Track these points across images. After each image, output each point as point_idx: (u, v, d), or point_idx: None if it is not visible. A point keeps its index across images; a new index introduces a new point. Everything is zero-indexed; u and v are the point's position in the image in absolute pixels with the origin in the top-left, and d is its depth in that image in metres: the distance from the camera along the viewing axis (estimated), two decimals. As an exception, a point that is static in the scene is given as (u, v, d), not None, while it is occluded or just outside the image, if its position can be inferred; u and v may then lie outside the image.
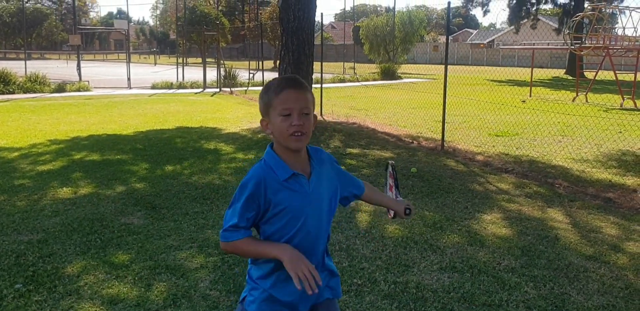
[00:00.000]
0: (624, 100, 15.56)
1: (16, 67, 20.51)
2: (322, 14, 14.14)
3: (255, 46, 35.06)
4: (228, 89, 19.55)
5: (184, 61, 26.52)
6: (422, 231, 4.65)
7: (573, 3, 33.05)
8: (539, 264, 3.98)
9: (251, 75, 21.14)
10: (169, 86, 21.10)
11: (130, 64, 23.08)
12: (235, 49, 60.66)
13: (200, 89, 20.57)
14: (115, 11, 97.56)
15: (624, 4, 31.63)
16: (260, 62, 20.45)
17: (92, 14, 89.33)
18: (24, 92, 17.80)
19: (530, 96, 18.03)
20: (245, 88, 19.70)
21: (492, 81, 24.48)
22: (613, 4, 28.66)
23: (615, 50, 17.11)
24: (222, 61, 21.26)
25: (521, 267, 3.92)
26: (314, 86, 11.07)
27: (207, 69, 21.94)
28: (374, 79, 27.31)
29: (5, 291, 3.39)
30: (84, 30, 38.74)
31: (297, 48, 9.98)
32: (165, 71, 33.35)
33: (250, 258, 1.89)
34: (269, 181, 1.78)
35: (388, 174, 2.38)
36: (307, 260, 1.76)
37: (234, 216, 1.79)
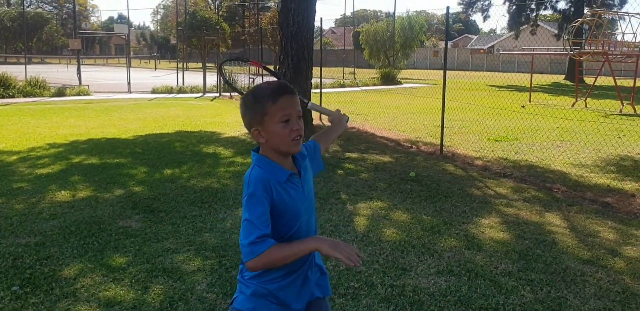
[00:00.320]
0: (623, 105, 15.58)
1: (16, 72, 20.54)
2: (321, 19, 14.19)
3: (255, 51, 35.15)
4: (228, 94, 19.58)
5: (184, 66, 26.58)
6: (420, 235, 4.65)
7: (572, 9, 33.18)
8: (536, 268, 3.98)
9: (251, 80, 21.17)
10: (169, 90, 21.13)
11: (131, 69, 23.13)
12: (236, 54, 60.77)
13: (200, 94, 20.60)
14: (115, 16, 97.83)
15: (624, 9, 31.70)
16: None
17: (92, 19, 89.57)
18: (24, 96, 17.83)
19: (529, 101, 18.06)
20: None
21: (492, 86, 24.51)
22: (612, 10, 28.75)
23: (614, 56, 17.15)
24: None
25: (518, 271, 3.92)
26: (313, 90, 11.09)
27: (207, 73, 21.97)
28: (374, 84, 27.36)
29: (2, 293, 3.39)
30: (85, 35, 38.88)
31: (297, 53, 10.02)
32: (165, 75, 33.40)
33: (287, 262, 1.78)
34: (273, 183, 1.77)
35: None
36: (342, 241, 1.78)
37: (254, 227, 1.70)
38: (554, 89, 24.62)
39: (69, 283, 3.55)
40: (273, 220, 1.76)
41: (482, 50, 57.94)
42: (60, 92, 18.93)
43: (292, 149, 1.82)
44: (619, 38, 21.97)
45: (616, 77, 16.45)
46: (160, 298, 3.37)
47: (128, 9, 53.26)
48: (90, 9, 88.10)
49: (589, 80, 23.19)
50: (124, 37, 27.77)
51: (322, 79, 13.26)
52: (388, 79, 28.14)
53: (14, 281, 3.56)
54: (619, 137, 10.04)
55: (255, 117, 1.81)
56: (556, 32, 37.22)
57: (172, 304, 3.30)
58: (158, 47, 74.50)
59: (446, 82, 8.71)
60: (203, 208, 5.33)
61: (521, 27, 36.52)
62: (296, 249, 1.73)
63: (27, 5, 70.41)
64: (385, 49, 33.91)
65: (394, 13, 35.50)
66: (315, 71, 11.35)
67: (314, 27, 10.79)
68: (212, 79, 21.94)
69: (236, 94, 19.55)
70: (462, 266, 3.98)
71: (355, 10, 52.06)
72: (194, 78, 24.71)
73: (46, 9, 77.17)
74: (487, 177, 7.01)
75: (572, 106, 16.53)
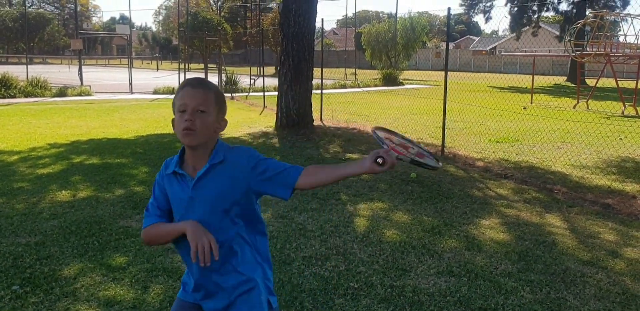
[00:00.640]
0: (625, 107, 15.57)
1: (18, 72, 20.57)
2: (322, 19, 14.19)
3: (256, 52, 35.17)
4: (229, 95, 19.59)
5: (186, 67, 26.59)
6: (420, 236, 4.65)
7: (575, 10, 33.14)
8: (536, 269, 3.98)
9: (252, 81, 21.19)
10: (171, 91, 21.13)
11: (133, 70, 23.14)
12: (237, 55, 60.81)
13: (202, 94, 20.58)
14: (117, 16, 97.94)
15: (626, 11, 31.68)
16: (262, 68, 20.51)
17: (94, 19, 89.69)
18: (25, 97, 17.85)
19: (531, 102, 18.05)
20: (247, 94, 19.75)
21: (493, 87, 24.51)
22: (615, 12, 28.71)
23: (616, 58, 17.14)
24: (223, 67, 21.30)
25: (518, 272, 3.92)
26: (314, 91, 11.09)
27: (209, 74, 22.00)
28: (375, 85, 27.35)
29: (2, 292, 3.39)
30: (86, 35, 38.93)
31: (298, 53, 10.03)
32: (167, 76, 33.42)
33: (166, 241, 1.92)
34: (162, 173, 1.94)
35: (381, 142, 1.95)
36: (211, 235, 1.79)
37: (148, 205, 1.97)
38: (556, 91, 24.60)
39: (69, 283, 3.55)
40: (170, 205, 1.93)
41: (484, 52, 57.95)
42: (62, 92, 18.95)
43: (182, 140, 1.85)
44: (621, 40, 21.99)
45: (618, 79, 16.45)
46: (160, 298, 3.37)
47: (130, 10, 53.29)
48: (92, 10, 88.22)
49: (590, 82, 23.17)
50: (125, 37, 27.81)
51: (324, 80, 13.27)
52: (390, 80, 28.13)
53: (14, 281, 3.56)
54: (621, 139, 10.03)
55: (172, 107, 1.91)
56: (558, 33, 37.20)
57: (172, 303, 3.28)
58: (160, 48, 74.56)
59: (448, 84, 8.71)
60: (203, 208, 5.32)
61: (523, 29, 36.50)
62: (170, 228, 1.87)
63: (29, 5, 70.42)
64: (387, 50, 33.91)
65: (395, 14, 35.56)
66: (316, 71, 11.35)
67: (315, 28, 10.80)
68: (213, 80, 21.94)
69: (237, 94, 19.59)
70: (462, 267, 3.97)
71: (357, 11, 52.01)
72: (195, 79, 24.71)
73: (48, 9, 77.29)
74: (488, 178, 7.01)
75: (574, 107, 16.51)
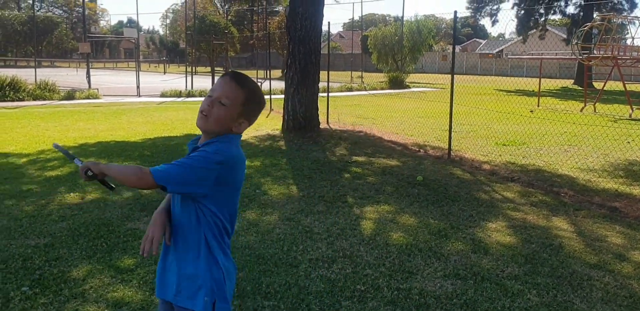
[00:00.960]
0: (632, 110, 15.51)
1: (26, 75, 20.72)
2: (329, 23, 14.25)
3: (263, 55, 35.25)
4: (236, 98, 19.63)
5: (193, 70, 26.71)
6: (427, 239, 4.66)
7: (582, 13, 33.07)
8: (543, 272, 3.98)
9: (259, 84, 21.23)
10: (178, 94, 21.22)
11: (140, 73, 23.25)
12: (244, 58, 60.98)
13: (209, 98, 20.66)
14: (125, 20, 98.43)
15: (633, 14, 31.60)
16: (268, 71, 20.57)
17: (102, 23, 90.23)
18: (34, 100, 17.96)
19: (538, 105, 18.00)
20: (253, 96, 19.74)
21: (500, 90, 24.47)
22: (622, 15, 28.65)
23: (624, 61, 17.09)
24: (230, 70, 21.37)
25: (524, 274, 3.92)
26: (321, 94, 11.12)
27: (216, 77, 22.05)
28: (382, 88, 27.37)
29: (12, 293, 3.43)
30: (94, 39, 39.16)
31: (304, 56, 10.07)
32: (174, 79, 33.56)
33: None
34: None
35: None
36: (159, 225, 1.96)
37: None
38: (563, 94, 24.55)
39: (78, 284, 3.58)
40: None
41: (490, 55, 57.85)
42: (70, 95, 19.06)
43: (197, 120, 1.95)
44: (628, 42, 21.92)
45: (626, 82, 16.39)
46: (168, 300, 3.39)
47: (137, 13, 53.95)
48: (100, 13, 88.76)
49: (598, 85, 23.11)
50: (133, 41, 27.96)
51: (330, 83, 13.29)
52: (396, 83, 28.15)
53: (24, 282, 3.60)
54: (628, 142, 10.00)
55: None
56: (565, 36, 37.12)
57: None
58: (167, 51, 74.87)
59: (454, 87, 8.71)
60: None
61: (530, 32, 36.45)
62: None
63: (37, 9, 70.92)
64: (394, 53, 33.95)
65: (402, 17, 35.57)
66: (323, 74, 11.38)
67: (322, 31, 10.83)
68: (220, 82, 22.01)
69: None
70: (469, 270, 3.98)
71: (363, 14, 52.08)
72: (202, 82, 24.84)
73: (56, 13, 77.81)
74: (495, 181, 7.00)
75: (581, 110, 16.47)
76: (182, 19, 53.30)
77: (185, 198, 1.93)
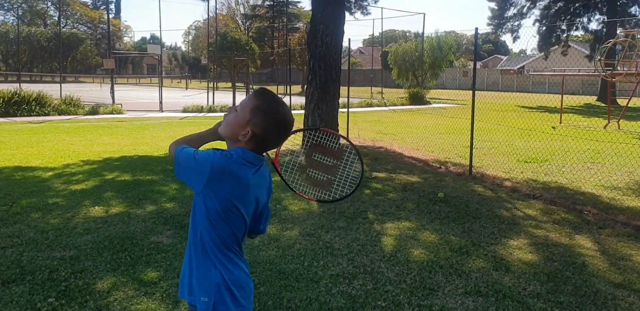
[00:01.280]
0: (656, 127, 15.31)
1: (52, 90, 21.15)
2: (349, 39, 14.39)
3: (283, 71, 35.54)
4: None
5: (215, 86, 27.03)
6: (448, 256, 4.64)
7: (605, 29, 32.87)
8: (566, 290, 3.94)
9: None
10: (200, 109, 21.48)
11: (163, 88, 23.60)
12: (265, 73, 61.57)
13: (230, 113, 20.86)
14: (148, 36, 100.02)
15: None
16: (289, 87, 20.75)
17: (126, 39, 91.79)
18: (59, 114, 18.32)
19: (560, 122, 17.87)
20: (274, 112, 19.88)
21: (522, 107, 24.36)
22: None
23: (647, 77, 16.91)
24: (251, 86, 21.61)
25: (547, 293, 3.88)
26: (341, 110, 11.18)
27: (237, 93, 22.32)
28: (402, 104, 27.40)
29: (39, 304, 3.49)
30: (118, 55, 39.88)
31: (325, 73, 10.15)
32: (196, 94, 33.98)
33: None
34: None
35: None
36: None
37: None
38: (586, 111, 24.33)
39: (103, 296, 3.64)
40: None
41: (512, 71, 57.63)
42: (94, 110, 19.41)
43: None
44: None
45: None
46: (190, 313, 3.43)
47: (161, 30, 54.64)
48: (124, 30, 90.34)
49: (622, 101, 22.86)
50: (156, 57, 28.41)
51: (350, 99, 13.36)
52: (416, 99, 28.17)
53: (50, 293, 3.66)
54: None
55: None
56: (588, 53, 36.89)
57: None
58: (189, 67, 75.93)
59: (475, 103, 8.71)
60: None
61: (552, 48, 36.29)
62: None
63: (62, 25, 72.47)
64: (414, 69, 34.01)
65: (422, 33, 35.63)
66: (343, 90, 11.44)
67: (342, 48, 10.92)
68: (241, 98, 22.11)
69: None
70: (490, 287, 3.96)
71: (383, 30, 52.28)
72: (223, 97, 25.11)
73: (81, 29, 79.40)
74: (516, 198, 6.96)
75: (605, 127, 16.30)
76: (204, 36, 54.04)
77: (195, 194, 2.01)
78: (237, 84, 24.53)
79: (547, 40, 35.23)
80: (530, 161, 9.83)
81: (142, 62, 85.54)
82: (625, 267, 4.47)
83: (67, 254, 4.43)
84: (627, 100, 17.65)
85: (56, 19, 78.20)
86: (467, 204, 6.51)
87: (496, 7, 36.86)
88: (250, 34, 54.04)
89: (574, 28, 35.97)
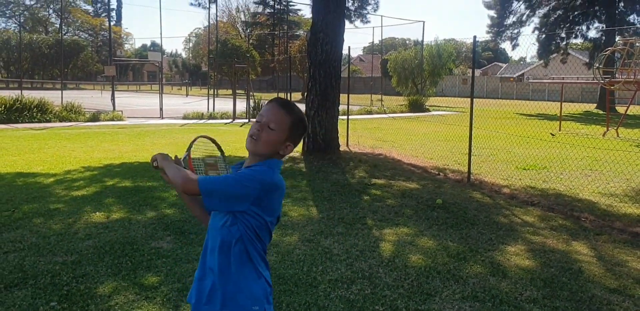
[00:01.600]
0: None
1: (53, 97, 21.23)
2: (349, 47, 14.46)
3: (284, 78, 35.66)
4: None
5: (215, 93, 27.13)
6: (446, 262, 4.69)
7: (604, 38, 33.03)
8: (562, 295, 3.99)
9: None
10: (200, 116, 21.57)
11: (163, 95, 23.70)
12: (265, 81, 61.77)
13: (230, 120, 20.97)
14: (149, 43, 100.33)
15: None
16: (289, 94, 20.84)
17: (126, 46, 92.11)
18: (60, 121, 18.39)
19: (560, 129, 17.94)
20: (274, 119, 19.98)
21: (521, 114, 24.44)
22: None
23: (646, 85, 16.99)
24: (251, 93, 21.70)
25: (543, 298, 3.93)
26: (341, 117, 11.26)
27: (237, 100, 22.40)
28: (402, 111, 27.49)
29: (41, 308, 3.54)
30: (119, 62, 40.02)
31: (324, 80, 10.24)
32: (196, 101, 34.09)
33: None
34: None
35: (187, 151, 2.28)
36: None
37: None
38: (585, 118, 24.41)
39: (104, 300, 3.69)
40: None
41: (511, 79, 57.80)
42: (95, 117, 19.48)
43: (246, 143, 2.08)
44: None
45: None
46: (190, 317, 3.47)
47: (161, 37, 54.97)
48: (125, 37, 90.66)
49: (621, 109, 22.96)
50: (157, 64, 28.54)
51: (350, 106, 13.45)
52: (416, 107, 28.26)
53: (52, 297, 3.71)
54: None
55: None
56: (587, 60, 37.02)
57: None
58: (189, 74, 76.16)
59: (473, 110, 8.78)
60: (232, 230, 5.44)
61: (551, 56, 36.44)
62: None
63: (64, 32, 72.77)
64: (414, 76, 34.13)
65: (422, 41, 35.80)
66: (343, 97, 11.52)
67: (342, 56, 11.01)
68: (241, 105, 22.36)
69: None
70: (487, 293, 4.00)
71: (383, 38, 52.49)
72: (224, 104, 25.20)
73: (82, 36, 79.72)
74: (514, 205, 7.01)
75: (603, 135, 16.36)
76: (205, 43, 54.24)
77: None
78: (237, 91, 24.62)
79: (547, 48, 35.39)
80: (529, 168, 9.89)
81: (143, 69, 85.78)
82: (620, 273, 4.52)
83: (69, 259, 4.48)
84: (626, 108, 17.72)
85: (57, 26, 78.60)
86: (465, 210, 6.56)
87: (495, 15, 37.07)
88: (250, 41, 54.24)
89: (573, 36, 36.13)
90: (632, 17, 32.67)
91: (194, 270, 4.27)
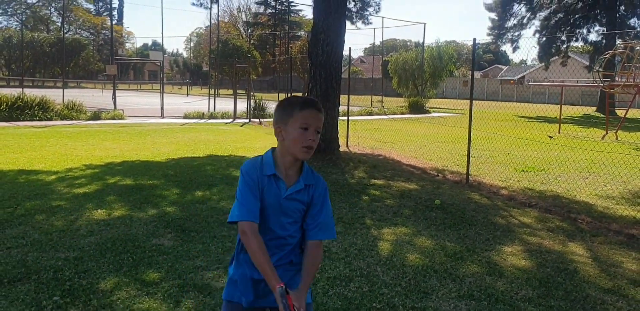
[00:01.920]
0: (653, 138, 15.42)
1: (54, 95, 21.31)
2: (350, 48, 14.52)
3: (285, 79, 35.73)
4: (257, 120, 19.97)
5: (216, 92, 27.20)
6: (443, 261, 4.75)
7: (604, 41, 33.10)
8: (557, 295, 4.05)
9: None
10: (201, 115, 21.63)
11: (164, 94, 23.76)
12: (266, 81, 61.85)
13: (231, 120, 21.04)
14: (150, 42, 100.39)
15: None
16: (290, 95, 20.94)
17: (127, 45, 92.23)
18: (62, 119, 18.46)
19: (559, 132, 18.00)
20: (275, 119, 20.06)
21: (521, 117, 24.51)
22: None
23: (645, 89, 17.06)
24: (252, 93, 21.77)
25: (538, 297, 3.99)
26: (341, 118, 11.32)
27: (238, 100, 22.47)
28: (402, 113, 27.56)
29: (44, 302, 3.60)
30: (120, 61, 40.08)
31: (325, 81, 10.30)
32: (197, 101, 34.15)
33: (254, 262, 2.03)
34: (258, 174, 2.09)
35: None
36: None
37: (241, 199, 2.08)
38: (585, 121, 24.48)
39: (106, 295, 3.75)
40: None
41: (512, 81, 57.88)
42: (96, 115, 19.55)
43: (300, 155, 2.10)
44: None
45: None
46: (191, 312, 3.53)
47: (163, 36, 54.76)
48: (126, 36, 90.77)
49: (621, 112, 23.01)
50: (158, 63, 28.60)
51: (350, 107, 13.51)
52: (416, 108, 28.33)
53: (55, 292, 3.77)
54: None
55: (283, 117, 2.12)
56: (588, 63, 37.08)
57: (202, 318, 3.45)
58: (190, 73, 76.17)
59: (473, 112, 8.84)
60: (232, 228, 5.50)
61: (552, 59, 36.50)
62: (268, 270, 1.96)
63: (65, 31, 72.82)
64: (414, 78, 34.17)
65: (423, 43, 35.86)
66: (343, 98, 11.58)
67: (343, 57, 11.07)
68: (242, 105, 22.43)
69: (265, 120, 19.94)
70: (483, 291, 4.06)
71: (384, 39, 52.55)
72: (224, 104, 25.27)
73: (83, 35, 79.79)
74: (512, 206, 7.07)
75: (602, 138, 16.43)
76: (206, 43, 54.32)
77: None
78: (238, 91, 24.69)
79: (547, 50, 35.44)
80: (527, 170, 9.95)
81: (144, 68, 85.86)
82: (615, 273, 4.58)
83: (71, 255, 4.54)
84: (625, 111, 17.78)
85: (59, 24, 78.62)
86: (463, 211, 6.62)
87: (496, 18, 37.13)
88: (251, 41, 54.30)
89: (574, 39, 36.18)
90: (633, 21, 32.75)
91: (195, 267, 4.37)
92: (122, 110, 21.10)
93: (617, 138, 16.46)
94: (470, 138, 8.79)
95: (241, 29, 73.05)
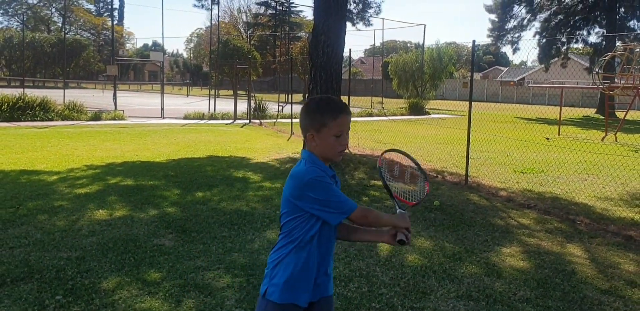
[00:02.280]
0: (652, 140, 15.46)
1: (55, 96, 21.35)
2: (350, 49, 14.57)
3: (285, 79, 35.75)
4: (257, 121, 20.02)
5: (216, 93, 27.23)
6: (442, 261, 4.79)
7: (604, 43, 33.15)
8: (554, 296, 4.09)
9: (280, 108, 21.64)
10: (201, 116, 21.68)
11: (164, 95, 23.80)
12: (266, 82, 61.90)
13: (231, 120, 21.08)
14: (150, 43, 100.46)
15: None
16: (290, 95, 20.96)
17: (128, 46, 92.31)
18: (62, 120, 18.51)
19: (559, 134, 18.02)
20: (274, 120, 20.16)
21: (521, 118, 24.55)
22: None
23: (645, 91, 17.09)
24: (252, 94, 21.81)
25: (536, 298, 4.03)
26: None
27: (238, 101, 22.52)
28: (402, 114, 27.61)
29: (47, 301, 3.64)
30: (121, 61, 40.12)
31: (325, 82, 10.34)
32: (197, 102, 34.20)
33: (377, 226, 2.28)
34: (325, 174, 2.14)
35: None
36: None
37: (340, 197, 2.13)
38: (585, 123, 24.52)
39: (108, 295, 3.79)
40: None
41: (512, 83, 57.91)
42: (97, 116, 19.61)
43: (336, 158, 2.19)
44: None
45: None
46: (192, 312, 3.57)
47: (163, 37, 54.72)
48: (127, 36, 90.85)
49: (621, 114, 23.05)
50: (158, 64, 28.65)
51: (350, 108, 13.54)
52: (416, 110, 28.38)
53: (58, 291, 3.81)
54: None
55: (314, 125, 2.15)
56: (588, 65, 37.13)
57: (203, 317, 3.49)
58: (191, 74, 76.25)
59: (472, 114, 8.88)
60: (232, 229, 5.55)
61: (552, 60, 36.54)
62: (386, 218, 2.28)
63: (66, 31, 72.89)
64: (414, 79, 34.25)
65: (423, 44, 35.94)
66: (343, 99, 11.61)
67: (343, 58, 11.12)
68: (242, 106, 22.48)
69: (265, 121, 19.99)
70: (481, 292, 4.10)
71: (384, 41, 52.63)
72: (225, 105, 25.32)
73: (84, 35, 79.87)
74: (511, 208, 7.11)
75: (602, 140, 16.47)
76: (206, 43, 54.36)
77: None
78: (238, 92, 24.74)
79: (547, 52, 35.47)
80: (526, 172, 9.99)
81: (144, 69, 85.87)
82: (613, 274, 4.62)
83: (73, 255, 4.58)
84: (625, 113, 17.81)
85: (60, 25, 78.74)
86: (462, 212, 6.66)
87: (497, 19, 37.15)
88: (252, 42, 54.42)
89: (574, 41, 36.22)
90: (633, 23, 32.79)
91: (195, 267, 4.41)
92: (123, 111, 21.14)
93: (616, 140, 16.50)
94: (469, 140, 8.83)
95: (241, 30, 73.16)
